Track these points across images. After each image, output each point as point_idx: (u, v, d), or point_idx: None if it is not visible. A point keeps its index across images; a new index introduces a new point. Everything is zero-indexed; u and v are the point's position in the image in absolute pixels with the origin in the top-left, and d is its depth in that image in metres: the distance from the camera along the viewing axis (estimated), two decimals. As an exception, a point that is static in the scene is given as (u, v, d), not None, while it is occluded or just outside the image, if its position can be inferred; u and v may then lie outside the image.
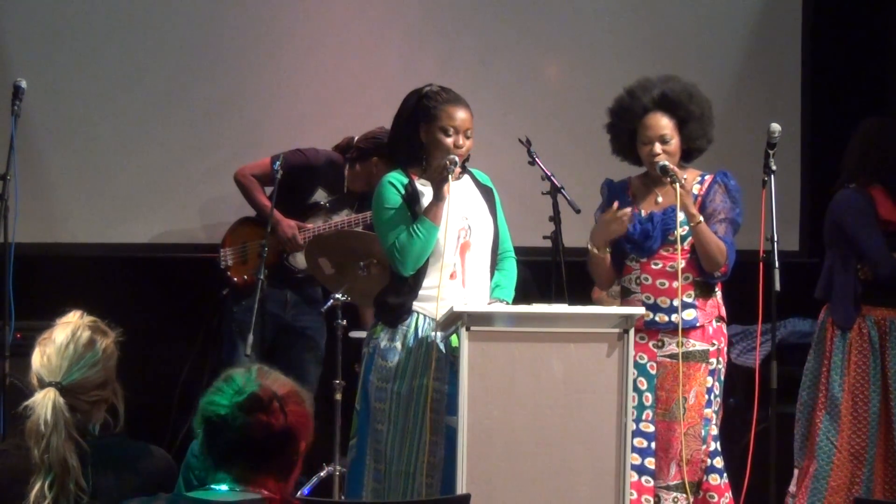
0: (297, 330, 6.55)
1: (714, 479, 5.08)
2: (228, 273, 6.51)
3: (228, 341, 6.47)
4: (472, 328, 4.60)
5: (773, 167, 5.08)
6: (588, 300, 6.12)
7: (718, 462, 5.10)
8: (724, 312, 5.17)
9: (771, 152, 5.09)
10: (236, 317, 6.46)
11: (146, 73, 7.04)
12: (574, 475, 4.67)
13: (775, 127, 5.12)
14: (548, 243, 6.00)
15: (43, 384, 3.09)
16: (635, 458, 5.00)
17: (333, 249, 6.16)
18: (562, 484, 4.67)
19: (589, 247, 5.13)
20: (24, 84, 5.82)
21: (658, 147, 5.08)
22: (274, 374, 2.74)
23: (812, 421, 5.63)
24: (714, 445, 5.09)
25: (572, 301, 5.36)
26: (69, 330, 3.15)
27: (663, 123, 5.10)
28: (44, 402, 3.05)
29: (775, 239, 4.97)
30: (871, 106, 7.04)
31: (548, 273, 6.03)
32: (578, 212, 5.76)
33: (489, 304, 4.88)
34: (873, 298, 5.64)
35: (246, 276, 6.46)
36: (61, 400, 3.06)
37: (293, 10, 7.12)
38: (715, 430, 5.10)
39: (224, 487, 2.65)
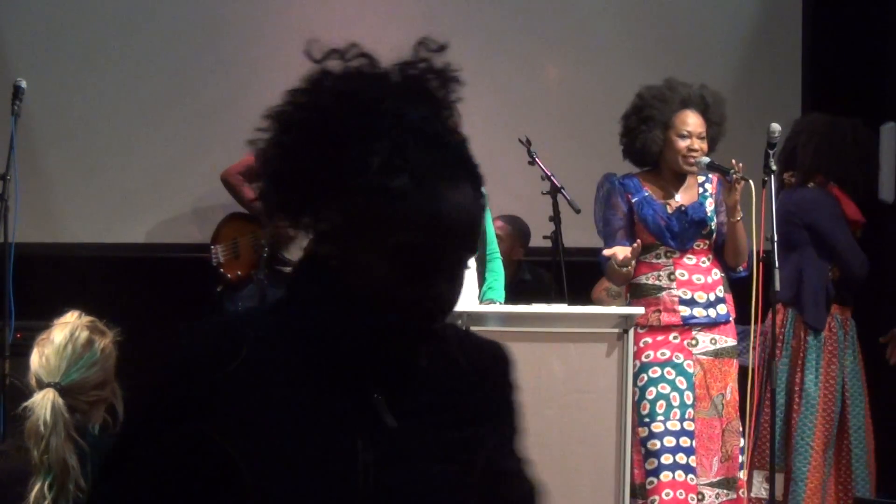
0: None
1: (742, 475, 5.11)
2: (221, 270, 6.51)
3: None
4: (472, 328, 4.60)
5: (773, 167, 5.08)
6: (588, 300, 6.12)
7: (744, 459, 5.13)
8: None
9: (771, 152, 5.09)
10: None
11: (146, 73, 7.04)
12: (574, 475, 4.67)
13: (775, 127, 5.11)
14: (548, 243, 6.00)
15: (42, 385, 3.09)
16: (682, 458, 4.99)
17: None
18: (562, 484, 4.66)
19: (609, 288, 5.14)
20: (24, 84, 5.82)
21: (696, 143, 5.08)
22: None
23: (788, 424, 5.60)
24: (742, 442, 5.11)
25: (572, 301, 5.36)
26: (67, 330, 3.14)
27: (700, 121, 5.11)
28: (43, 402, 3.05)
29: (775, 239, 4.97)
30: (870, 106, 7.03)
31: (548, 272, 6.03)
32: (578, 212, 5.75)
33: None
34: (841, 298, 5.62)
35: (239, 272, 6.47)
36: (60, 400, 3.06)
37: (293, 10, 7.12)
38: (741, 427, 5.13)
39: None
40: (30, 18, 7.00)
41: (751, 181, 4.94)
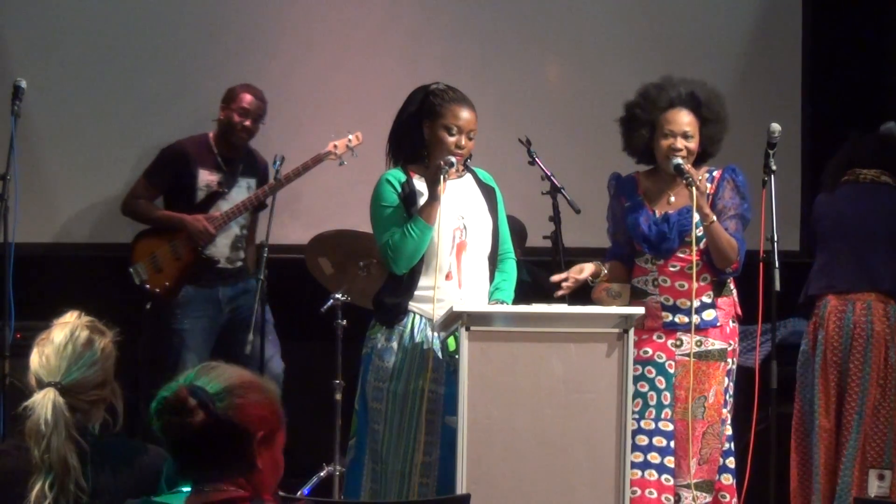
0: (246, 324, 6.19)
1: (727, 479, 5.09)
2: (147, 287, 6.43)
3: (173, 355, 6.32)
4: (472, 328, 4.59)
5: (773, 167, 5.07)
6: (588, 300, 6.11)
7: (731, 462, 5.10)
8: (739, 311, 5.17)
9: (771, 152, 5.08)
10: (180, 327, 6.39)
11: (146, 73, 7.04)
12: (574, 475, 4.67)
13: (775, 127, 5.11)
14: (548, 243, 6.01)
15: (42, 384, 3.09)
16: (655, 457, 4.99)
17: (333, 249, 6.16)
18: (562, 484, 4.66)
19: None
20: (24, 84, 5.82)
21: (680, 142, 5.03)
22: (219, 368, 2.57)
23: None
24: (728, 445, 5.09)
25: (572, 301, 5.36)
26: (67, 330, 3.14)
27: (688, 120, 5.04)
28: (43, 402, 3.05)
29: (775, 239, 4.97)
30: (870, 106, 7.04)
31: (548, 273, 6.02)
32: (578, 212, 5.76)
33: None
34: None
35: (167, 283, 6.40)
36: (61, 400, 3.06)
37: (293, 11, 7.12)
38: (729, 431, 5.11)
39: (187, 489, 2.60)
40: (30, 18, 7.00)
41: (696, 187, 4.90)
